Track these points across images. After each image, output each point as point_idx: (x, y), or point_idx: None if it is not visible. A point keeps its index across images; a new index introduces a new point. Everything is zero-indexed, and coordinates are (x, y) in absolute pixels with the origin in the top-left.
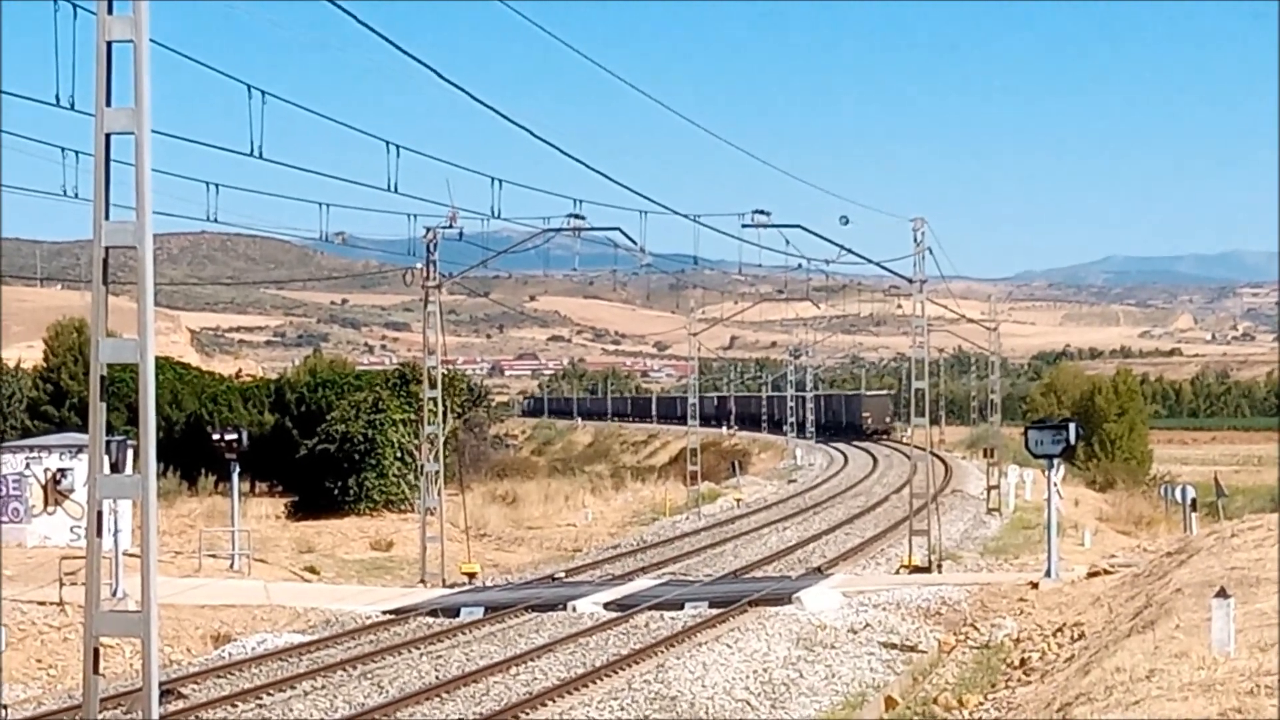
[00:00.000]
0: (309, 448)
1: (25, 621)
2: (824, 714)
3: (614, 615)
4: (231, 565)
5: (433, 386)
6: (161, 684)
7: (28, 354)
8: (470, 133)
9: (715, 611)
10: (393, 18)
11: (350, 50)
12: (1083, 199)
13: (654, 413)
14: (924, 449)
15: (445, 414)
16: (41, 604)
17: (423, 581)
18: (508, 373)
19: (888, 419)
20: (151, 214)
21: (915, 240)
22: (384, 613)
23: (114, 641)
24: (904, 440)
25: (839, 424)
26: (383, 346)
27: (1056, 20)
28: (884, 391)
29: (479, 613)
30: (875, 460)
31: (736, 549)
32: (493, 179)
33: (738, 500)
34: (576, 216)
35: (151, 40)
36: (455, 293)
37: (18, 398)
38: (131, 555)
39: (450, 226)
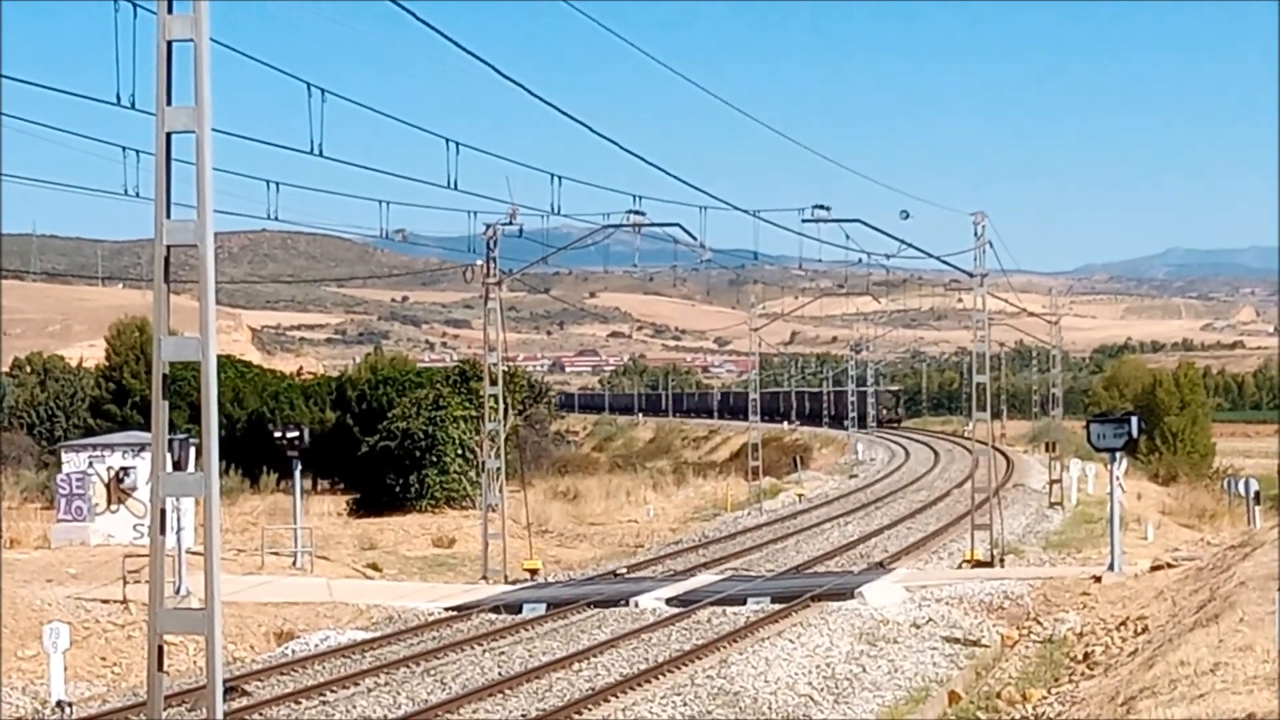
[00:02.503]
0: (370, 445)
1: (89, 620)
2: (887, 709)
3: (676, 611)
4: (294, 562)
5: (493, 383)
6: (225, 681)
7: (90, 353)
8: (530, 129)
9: (777, 607)
10: (451, 15)
11: (409, 47)
12: (1143, 192)
13: (714, 408)
14: (986, 443)
15: (506, 410)
16: (105, 602)
17: (485, 578)
18: (568, 369)
19: (898, 409)
20: (212, 212)
21: (975, 234)
22: (446, 609)
23: (178, 639)
24: (965, 434)
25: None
26: (443, 343)
27: (1114, 14)
28: (893, 388)
29: (541, 609)
30: (937, 455)
31: (798, 544)
32: (552, 175)
33: (799, 495)
34: (636, 212)
35: (211, 39)
36: (515, 289)
37: (80, 397)
38: (195, 553)
39: (510, 223)
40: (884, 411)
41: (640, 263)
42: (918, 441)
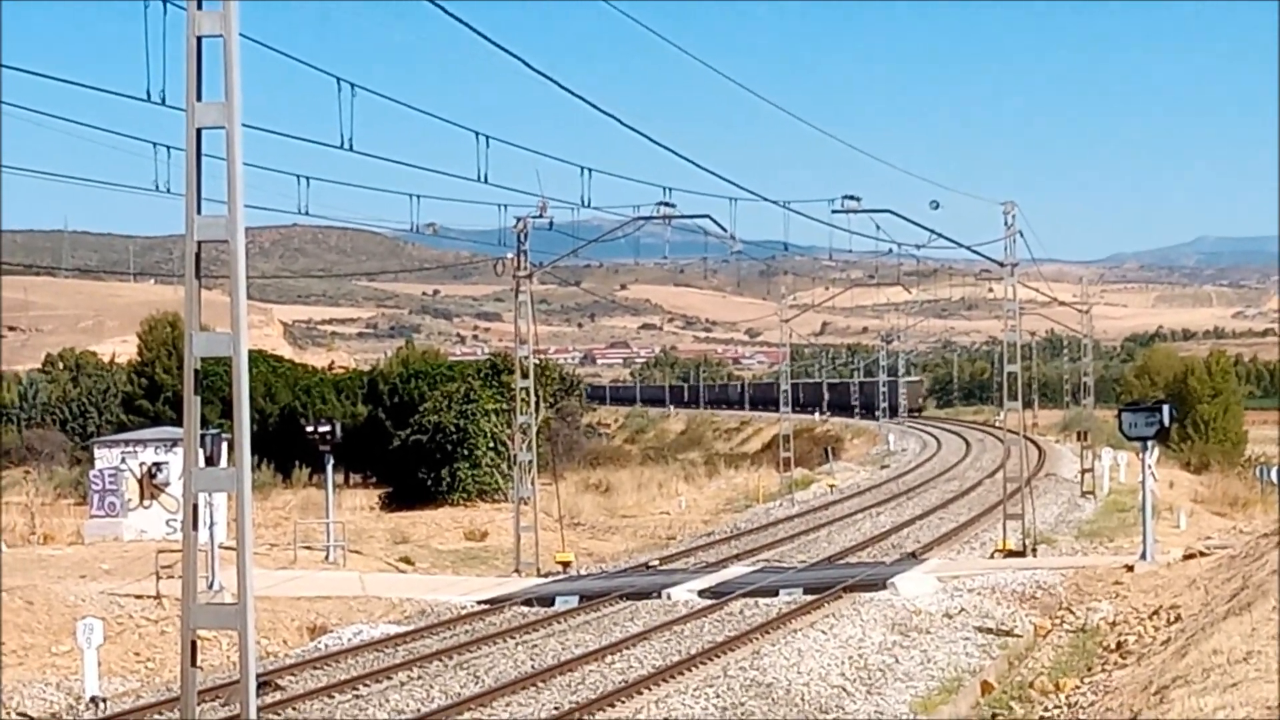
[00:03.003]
0: (402, 439)
1: (123, 615)
2: (920, 699)
3: (708, 602)
4: (326, 557)
5: (525, 376)
6: (258, 676)
7: (122, 349)
8: (560, 122)
9: (810, 598)
10: (480, 9)
11: (439, 41)
12: (1173, 180)
13: (734, 399)
14: (1017, 433)
15: (537, 403)
16: (138, 597)
17: (517, 571)
18: (600, 361)
19: (920, 399)
20: (243, 208)
21: (1006, 224)
22: (479, 602)
23: (211, 634)
24: (997, 424)
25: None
26: (474, 337)
27: (1142, 5)
28: (918, 378)
29: (574, 601)
30: (968, 445)
31: (830, 535)
32: (582, 168)
33: (831, 486)
34: (666, 204)
35: (241, 35)
36: (546, 282)
37: (113, 392)
38: (227, 548)
39: (540, 216)
40: (906, 401)
41: (671, 255)
42: (949, 431)
